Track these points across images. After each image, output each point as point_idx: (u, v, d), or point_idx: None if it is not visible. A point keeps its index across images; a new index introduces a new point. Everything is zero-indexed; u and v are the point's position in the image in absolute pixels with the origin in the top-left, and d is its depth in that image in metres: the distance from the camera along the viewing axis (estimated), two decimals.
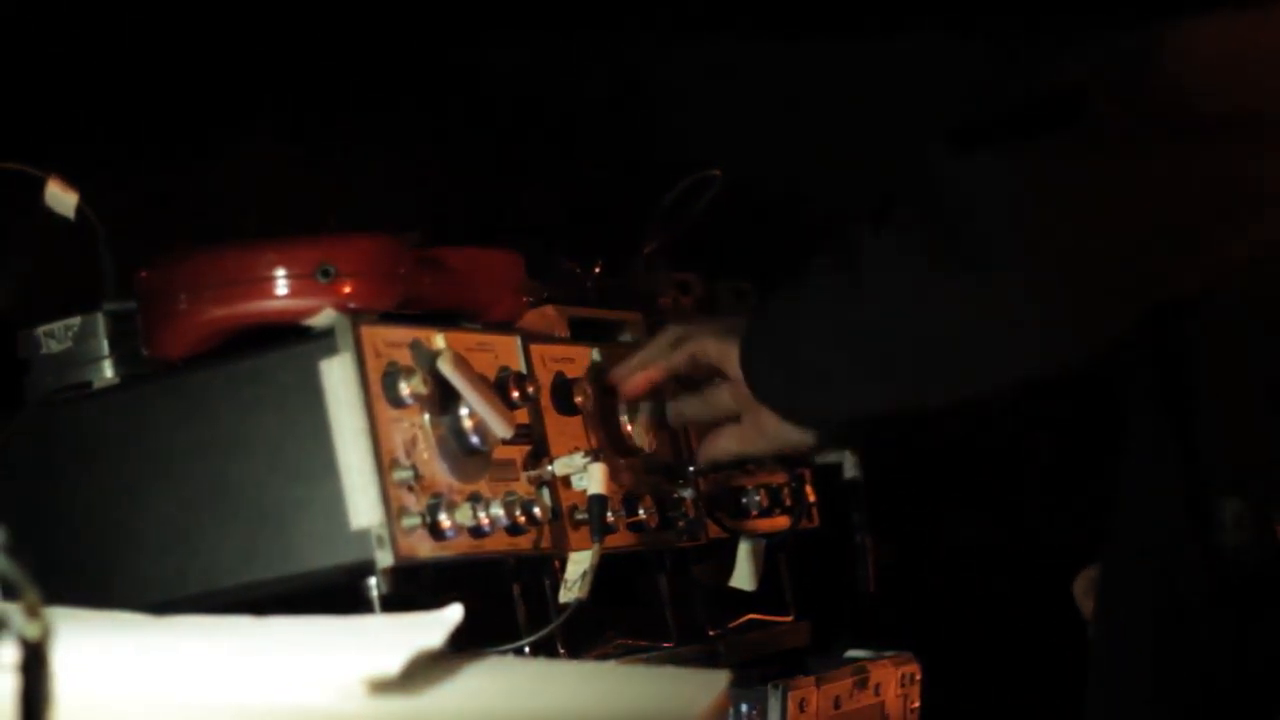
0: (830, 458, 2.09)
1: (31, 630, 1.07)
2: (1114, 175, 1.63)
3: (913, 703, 2.13)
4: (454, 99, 2.87)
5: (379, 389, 1.62)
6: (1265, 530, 1.72)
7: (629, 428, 1.93)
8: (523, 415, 1.78)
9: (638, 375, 1.91)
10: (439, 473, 1.66)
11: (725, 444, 1.92)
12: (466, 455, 1.69)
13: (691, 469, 1.98)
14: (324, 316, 1.64)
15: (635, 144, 3.00)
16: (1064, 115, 1.62)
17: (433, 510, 1.63)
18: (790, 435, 1.88)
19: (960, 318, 1.69)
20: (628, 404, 1.93)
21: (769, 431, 1.88)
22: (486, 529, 1.67)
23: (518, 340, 1.82)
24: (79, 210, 1.77)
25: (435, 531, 1.63)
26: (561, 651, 1.85)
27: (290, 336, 1.65)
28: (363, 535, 1.59)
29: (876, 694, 2.07)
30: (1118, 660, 1.84)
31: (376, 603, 1.60)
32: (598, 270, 2.11)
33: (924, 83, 3.05)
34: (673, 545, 1.98)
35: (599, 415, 1.91)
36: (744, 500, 2.07)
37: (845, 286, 1.74)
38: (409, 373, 1.64)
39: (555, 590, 1.78)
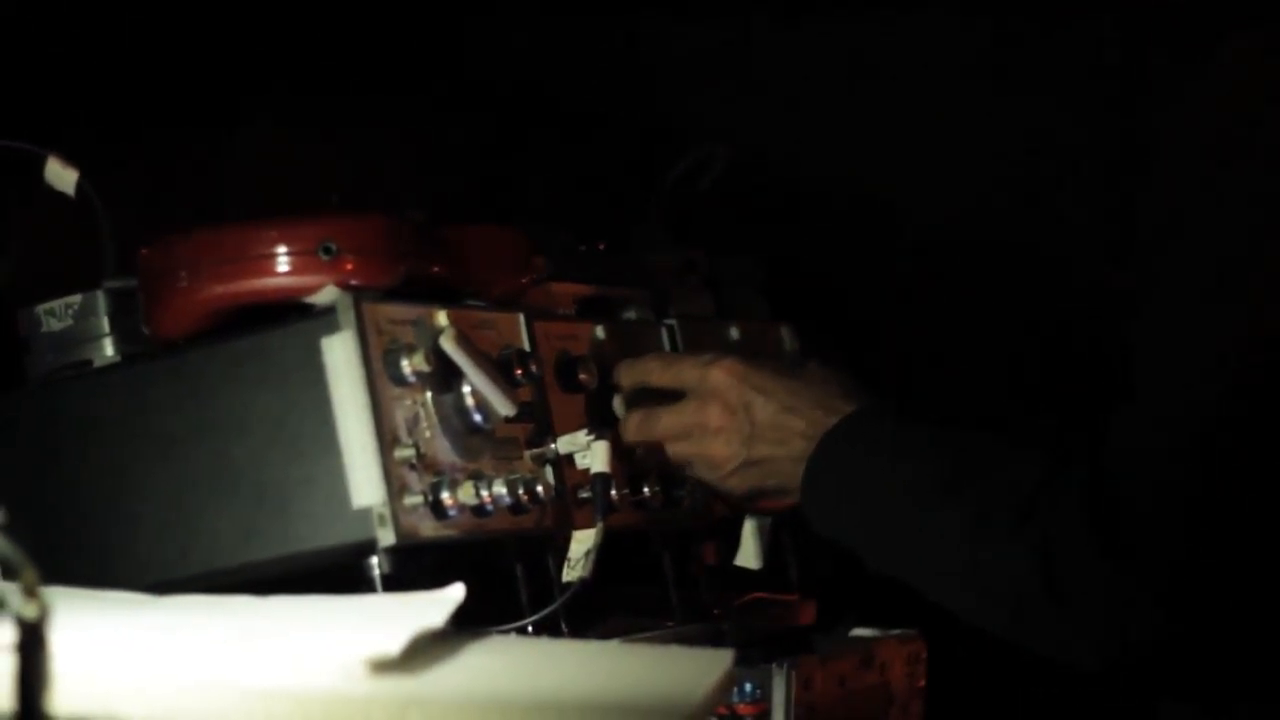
0: None
1: (29, 610, 1.07)
2: None
3: (918, 681, 2.12)
4: (458, 77, 2.87)
5: (381, 367, 1.62)
6: None
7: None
8: (526, 393, 1.77)
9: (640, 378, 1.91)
10: (441, 451, 1.65)
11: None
12: (469, 433, 1.68)
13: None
14: (326, 294, 1.63)
15: (640, 120, 2.99)
16: None
17: (435, 489, 1.62)
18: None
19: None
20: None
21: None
22: (489, 508, 1.67)
23: (521, 318, 1.81)
24: (79, 188, 1.77)
25: (437, 510, 1.62)
26: (565, 631, 1.84)
27: (292, 314, 1.64)
28: (364, 514, 1.59)
29: (882, 673, 2.07)
30: None
31: (378, 582, 1.59)
32: (602, 247, 2.10)
33: (927, 59, 3.04)
34: (677, 524, 1.97)
35: (603, 393, 1.90)
36: None
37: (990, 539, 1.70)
38: (411, 350, 1.63)
39: (559, 569, 1.78)
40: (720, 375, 1.88)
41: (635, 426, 1.89)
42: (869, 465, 1.80)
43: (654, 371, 1.91)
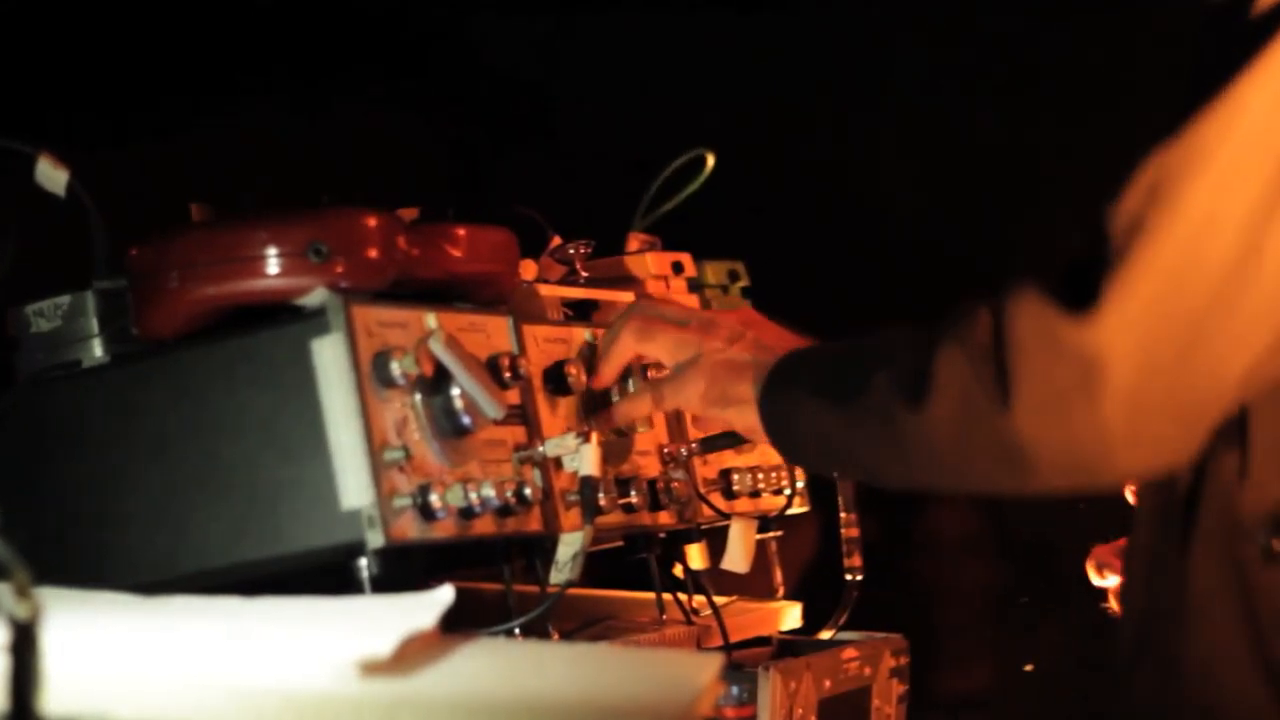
0: None
1: (21, 611, 1.07)
2: None
3: (901, 685, 2.13)
4: (448, 78, 2.87)
5: (370, 369, 1.62)
6: None
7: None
8: (514, 396, 1.77)
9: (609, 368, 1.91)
10: (430, 453, 1.65)
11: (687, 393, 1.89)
12: (458, 436, 1.68)
13: (685, 451, 1.98)
14: (316, 295, 1.63)
15: (627, 123, 3.00)
16: None
17: (423, 491, 1.62)
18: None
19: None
20: (619, 385, 1.92)
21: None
22: (477, 510, 1.67)
23: (509, 321, 1.82)
24: (70, 187, 1.76)
25: (426, 512, 1.62)
26: (552, 633, 1.85)
27: (282, 316, 1.64)
28: (353, 516, 1.59)
29: (866, 676, 2.07)
30: None
31: (367, 583, 1.59)
32: (590, 250, 2.11)
33: (905, 59, 3.04)
34: (664, 527, 1.97)
35: (591, 396, 1.90)
36: (735, 482, 2.07)
37: (885, 424, 1.68)
38: (400, 353, 1.63)
39: (546, 572, 1.78)
40: (640, 303, 1.93)
41: (627, 405, 1.91)
42: (814, 364, 1.81)
43: (605, 364, 1.90)
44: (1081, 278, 1.56)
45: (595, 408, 1.90)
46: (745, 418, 1.82)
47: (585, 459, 1.78)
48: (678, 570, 2.08)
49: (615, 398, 1.92)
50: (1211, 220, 1.54)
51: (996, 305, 1.61)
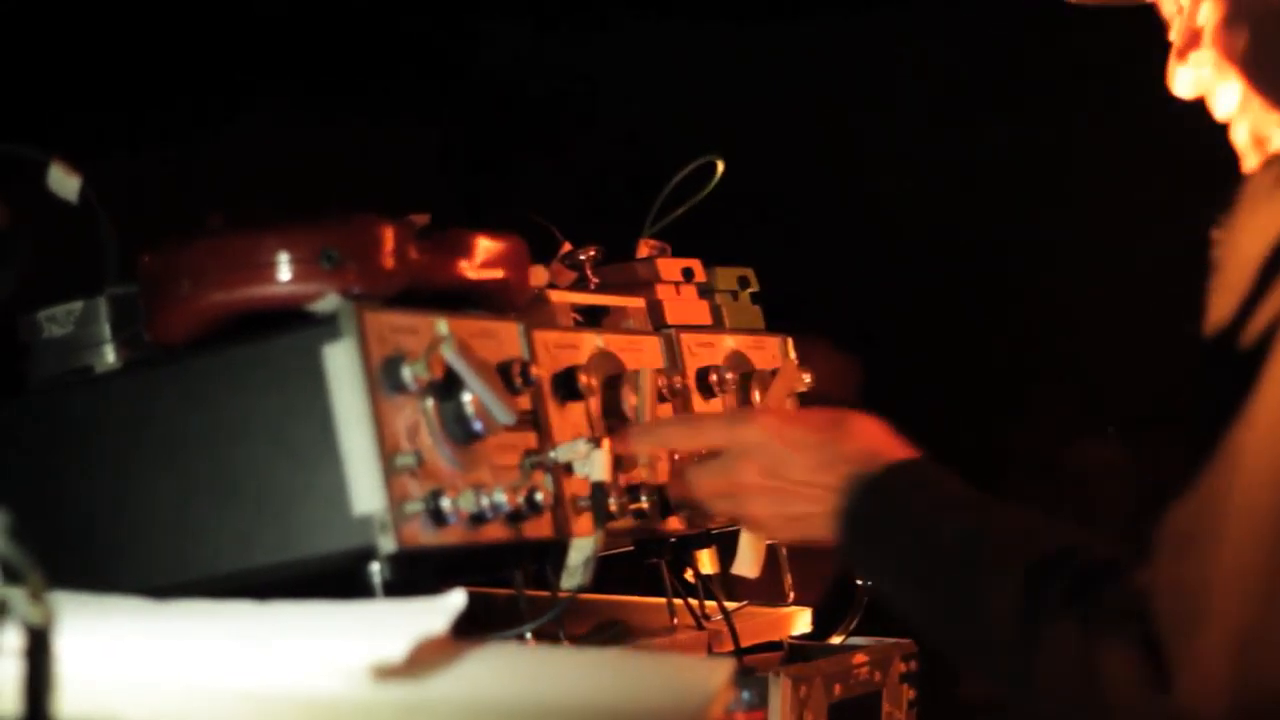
0: None
1: (35, 615, 1.07)
2: None
3: (911, 691, 2.13)
4: (458, 85, 2.87)
5: (382, 374, 1.62)
6: None
7: (633, 414, 1.93)
8: (525, 402, 1.77)
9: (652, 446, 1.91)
10: (441, 459, 1.65)
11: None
12: (469, 441, 1.68)
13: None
14: (327, 302, 1.64)
15: (638, 130, 3.00)
16: None
17: (435, 496, 1.63)
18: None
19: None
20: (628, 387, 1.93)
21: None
22: (488, 515, 1.67)
23: (520, 327, 1.82)
24: (82, 193, 1.77)
25: (437, 518, 1.63)
26: (563, 638, 1.85)
27: (293, 322, 1.64)
28: (365, 521, 1.59)
29: (876, 682, 2.07)
30: None
31: (379, 589, 1.59)
32: (600, 256, 2.11)
33: (916, 68, 3.05)
34: (675, 532, 1.97)
35: (601, 402, 1.91)
36: None
37: (990, 660, 1.69)
38: (412, 358, 1.63)
39: (557, 577, 1.78)
40: (753, 434, 1.85)
41: (673, 486, 1.90)
42: (909, 512, 1.77)
43: (677, 439, 1.90)
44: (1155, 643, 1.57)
45: (608, 415, 1.90)
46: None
47: (596, 464, 1.78)
48: (689, 575, 2.08)
49: (626, 402, 1.92)
50: (1248, 568, 1.54)
51: (1089, 642, 1.60)
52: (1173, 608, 1.56)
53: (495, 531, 1.68)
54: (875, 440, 1.83)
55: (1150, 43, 1.86)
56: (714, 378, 2.05)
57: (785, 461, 1.83)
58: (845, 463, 1.81)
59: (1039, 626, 1.64)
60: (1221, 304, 1.61)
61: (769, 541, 1.92)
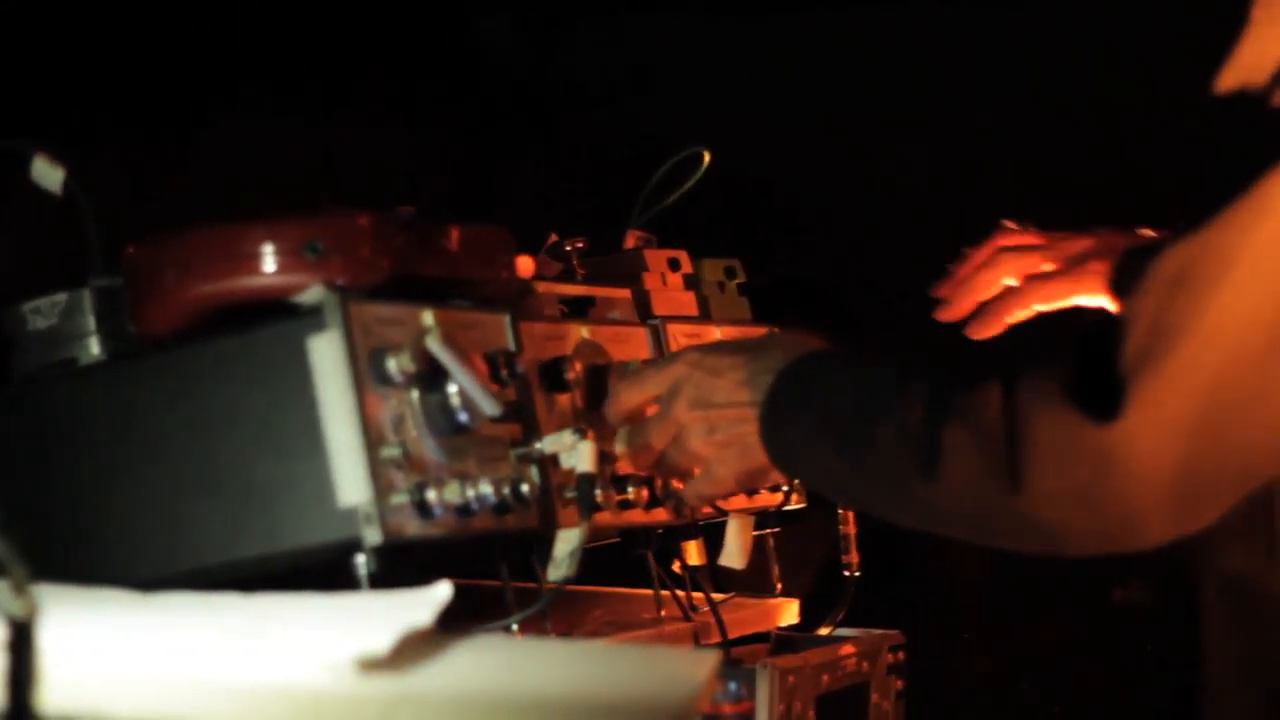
0: None
1: (18, 608, 1.07)
2: None
3: (898, 681, 2.13)
4: (444, 77, 2.87)
5: (367, 366, 1.61)
6: None
7: None
8: (511, 393, 1.77)
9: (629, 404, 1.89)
10: (427, 451, 1.65)
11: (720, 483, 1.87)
12: (454, 433, 1.68)
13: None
14: (312, 293, 1.63)
15: (623, 121, 3.00)
16: None
17: (420, 488, 1.62)
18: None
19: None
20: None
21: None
22: (474, 507, 1.67)
23: (506, 318, 1.82)
24: (66, 185, 1.76)
25: (423, 509, 1.62)
26: (550, 630, 1.85)
27: (278, 313, 1.64)
28: (350, 513, 1.59)
29: (864, 672, 2.07)
30: None
31: (364, 581, 1.59)
32: (586, 247, 2.11)
33: (912, 54, 3.04)
34: (662, 523, 1.97)
35: (588, 393, 1.90)
36: None
37: (896, 485, 1.66)
38: (397, 350, 1.63)
39: (544, 568, 1.78)
40: (678, 369, 1.84)
41: (631, 455, 1.88)
42: (815, 386, 1.75)
43: (627, 396, 1.88)
44: (1103, 376, 1.54)
45: (594, 407, 1.90)
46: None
47: (582, 456, 1.78)
48: (675, 567, 2.08)
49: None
50: (1239, 319, 1.52)
51: (1010, 394, 1.58)
52: (1147, 343, 1.53)
53: (481, 523, 1.68)
54: (798, 350, 1.81)
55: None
56: None
57: (709, 388, 1.82)
58: (767, 374, 1.79)
59: (952, 400, 1.62)
60: (1253, 56, 1.58)
61: (721, 488, 1.86)
